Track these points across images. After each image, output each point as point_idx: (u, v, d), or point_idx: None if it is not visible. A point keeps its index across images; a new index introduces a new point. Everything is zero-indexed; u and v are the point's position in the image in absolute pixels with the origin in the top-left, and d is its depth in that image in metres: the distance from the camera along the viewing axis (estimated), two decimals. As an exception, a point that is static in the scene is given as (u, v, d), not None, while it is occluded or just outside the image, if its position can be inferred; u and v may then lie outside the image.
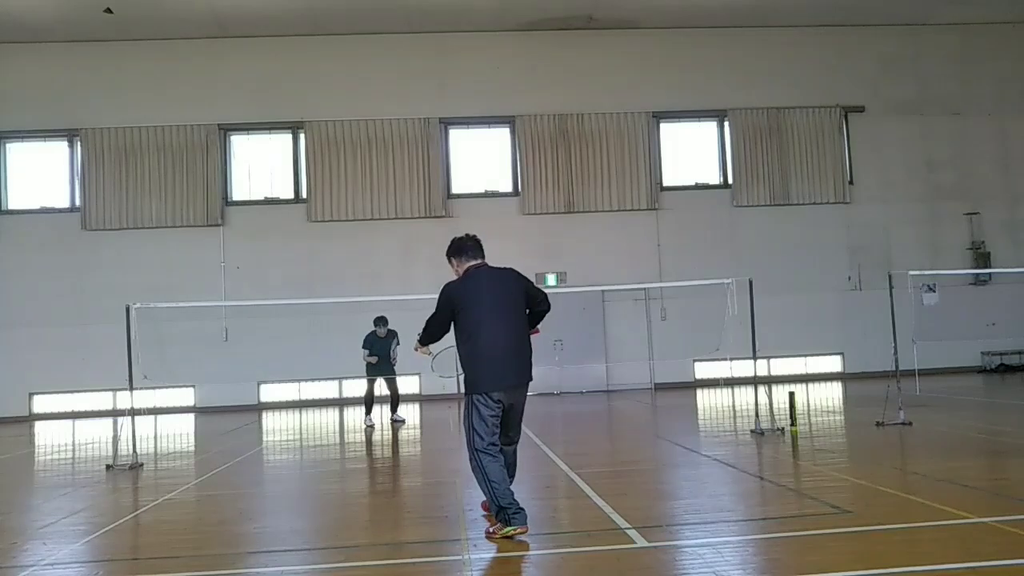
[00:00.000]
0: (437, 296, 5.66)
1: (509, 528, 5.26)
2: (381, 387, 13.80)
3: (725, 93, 19.98)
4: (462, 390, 5.66)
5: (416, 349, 5.90)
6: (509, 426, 5.66)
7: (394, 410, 13.98)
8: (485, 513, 5.86)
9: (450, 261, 5.84)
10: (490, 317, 5.50)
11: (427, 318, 5.71)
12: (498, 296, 5.57)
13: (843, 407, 14.03)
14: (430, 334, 5.72)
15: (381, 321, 13.73)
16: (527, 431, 11.74)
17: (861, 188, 20.33)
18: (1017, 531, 4.97)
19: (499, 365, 5.47)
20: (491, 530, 5.38)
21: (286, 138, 19.84)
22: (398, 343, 13.57)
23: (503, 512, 5.32)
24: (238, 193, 19.64)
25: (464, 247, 5.76)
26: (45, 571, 5.10)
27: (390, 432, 12.72)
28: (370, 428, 13.37)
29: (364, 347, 13.68)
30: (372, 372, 13.63)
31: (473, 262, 5.72)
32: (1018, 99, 20.65)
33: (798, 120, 20.21)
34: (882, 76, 20.44)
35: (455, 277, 5.78)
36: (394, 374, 13.66)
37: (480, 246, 5.78)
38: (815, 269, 19.76)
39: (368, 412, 13.70)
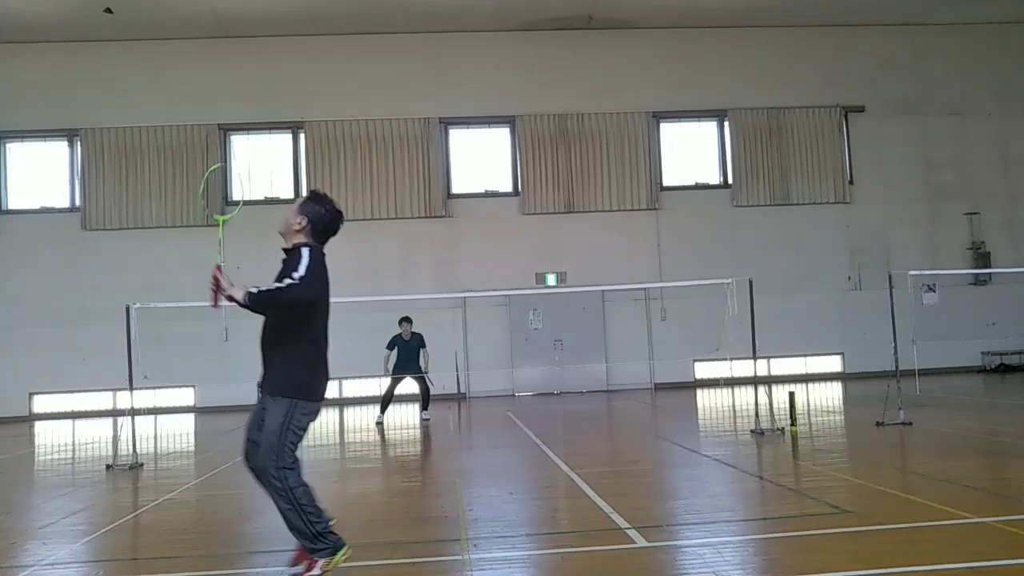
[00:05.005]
0: (307, 257, 4.69)
1: (341, 553, 4.43)
2: (402, 387, 13.60)
3: (725, 93, 19.97)
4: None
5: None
6: None
7: (424, 408, 13.83)
8: (297, 554, 4.55)
9: (301, 217, 4.75)
10: (326, 322, 4.90)
11: (300, 278, 4.67)
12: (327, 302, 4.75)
13: (843, 407, 14.02)
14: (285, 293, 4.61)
15: (406, 321, 13.53)
16: (527, 431, 11.77)
17: (861, 188, 20.32)
18: (1017, 531, 4.97)
19: (327, 375, 4.81)
20: (317, 571, 4.36)
21: (286, 138, 19.83)
22: (424, 348, 13.43)
23: (324, 539, 4.38)
24: (238, 193, 19.64)
25: (334, 225, 4.82)
26: (45, 571, 5.09)
27: (418, 431, 12.68)
28: (379, 425, 13.37)
29: (388, 348, 13.43)
30: (398, 371, 13.38)
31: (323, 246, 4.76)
32: (1018, 99, 20.64)
33: (798, 120, 20.20)
34: (882, 76, 20.43)
35: (305, 236, 4.81)
36: (422, 372, 13.49)
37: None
38: (815, 269, 19.75)
39: (383, 411, 13.56)
